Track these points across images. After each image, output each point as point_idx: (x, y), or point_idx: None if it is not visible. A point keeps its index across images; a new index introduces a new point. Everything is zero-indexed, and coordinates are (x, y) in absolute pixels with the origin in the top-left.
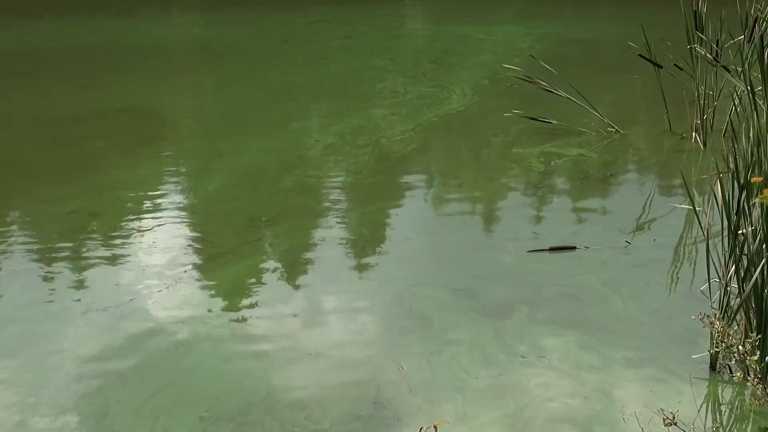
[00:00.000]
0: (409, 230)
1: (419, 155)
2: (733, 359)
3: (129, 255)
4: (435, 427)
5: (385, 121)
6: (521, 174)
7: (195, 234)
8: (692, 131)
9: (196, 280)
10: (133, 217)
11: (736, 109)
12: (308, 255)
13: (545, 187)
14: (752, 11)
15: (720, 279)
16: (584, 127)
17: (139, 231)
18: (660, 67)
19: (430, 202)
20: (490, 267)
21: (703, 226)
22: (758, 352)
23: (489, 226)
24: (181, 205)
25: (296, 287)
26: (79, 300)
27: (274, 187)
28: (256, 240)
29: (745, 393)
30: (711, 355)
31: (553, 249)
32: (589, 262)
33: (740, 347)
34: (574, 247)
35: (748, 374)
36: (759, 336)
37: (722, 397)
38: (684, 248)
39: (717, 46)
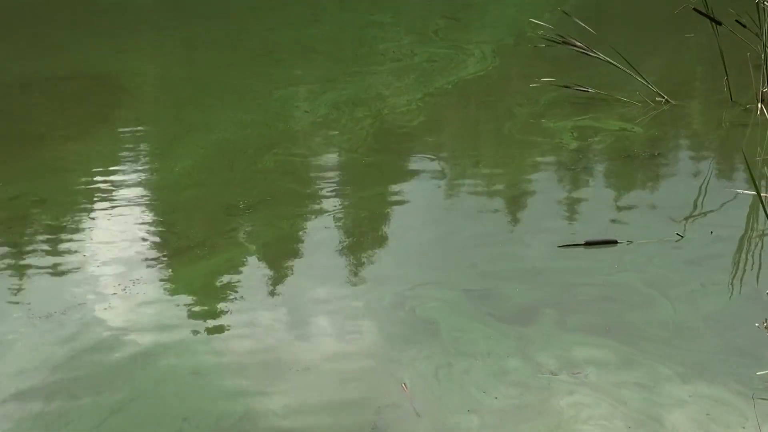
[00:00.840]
0: (414, 219)
1: (428, 130)
2: None
3: (79, 250)
4: None
5: (387, 90)
6: (551, 152)
7: (158, 224)
8: (757, 102)
9: (159, 279)
10: (85, 203)
11: None
12: (293, 249)
13: (580, 168)
14: None
15: None
16: (627, 96)
17: (91, 221)
18: (719, 24)
19: (440, 185)
20: (512, 264)
21: None
22: None
23: (511, 215)
24: (143, 190)
25: (279, 288)
26: (18, 303)
27: (253, 167)
28: (232, 231)
29: None
30: None
31: (589, 243)
32: (631, 259)
33: None
34: (615, 242)
35: None
36: None
37: None
38: (747, 242)
39: None
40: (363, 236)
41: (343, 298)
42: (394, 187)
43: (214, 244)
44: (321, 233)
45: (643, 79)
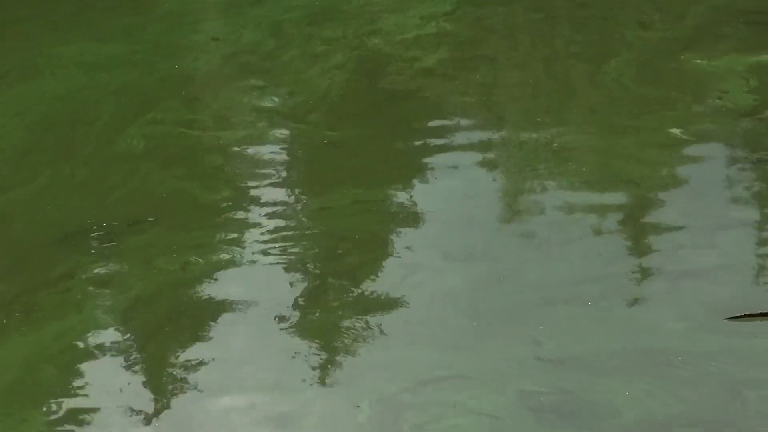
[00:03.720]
0: (423, 254)
1: (452, 79)
2: None
3: None
4: None
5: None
6: (705, 120)
7: None
8: None
9: None
10: None
11: None
12: (192, 319)
13: (764, 154)
14: None
15: None
16: None
17: None
18: None
19: (472, 188)
20: (621, 342)
21: None
22: None
23: (621, 244)
24: None
25: (161, 401)
26: None
27: (109, 151)
28: (67, 279)
29: None
30: None
31: None
32: None
33: None
34: None
35: None
36: None
37: None
38: None
39: None
40: (323, 293)
41: (283, 410)
42: (386, 191)
43: (32, 306)
44: (242, 282)
45: None
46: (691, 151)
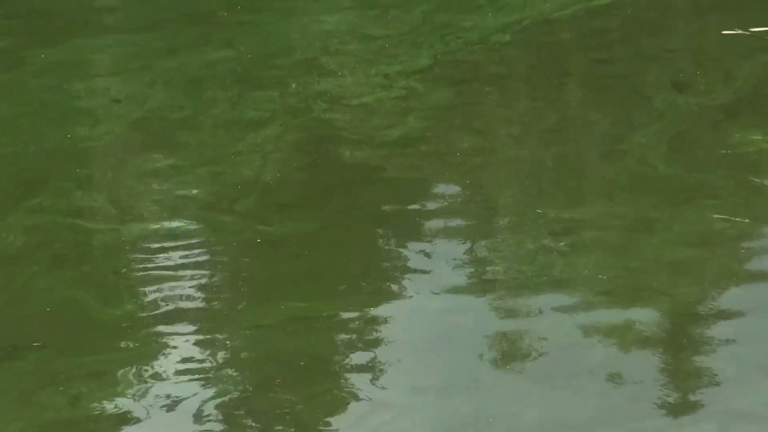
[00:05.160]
0: (385, 384)
1: (428, 155)
2: None
3: None
4: None
5: (336, 44)
6: (751, 210)
7: None
8: None
9: None
10: None
11: None
12: None
13: None
14: None
15: None
16: None
17: None
18: None
19: (445, 296)
20: None
21: None
22: None
23: (637, 374)
24: None
25: None
26: None
27: None
28: None
29: None
30: None
31: None
32: None
33: None
34: None
35: None
36: None
37: None
38: None
39: None
40: None
41: None
42: (338, 304)
43: None
44: (148, 426)
45: None
46: (742, 252)
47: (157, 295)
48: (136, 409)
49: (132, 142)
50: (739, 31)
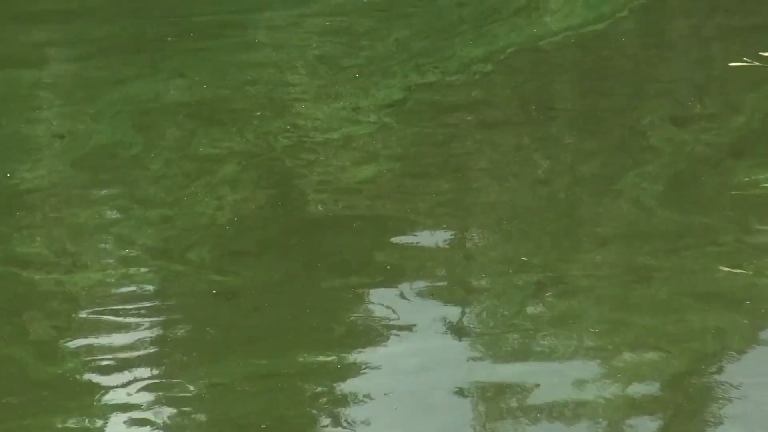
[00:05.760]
0: None
1: (402, 194)
2: None
3: None
4: None
5: (304, 85)
6: (758, 257)
7: None
8: None
9: None
10: None
11: None
12: None
13: None
14: None
15: None
16: None
17: None
18: None
19: (421, 354)
20: None
21: None
22: None
23: None
24: None
25: None
26: None
27: None
28: None
29: None
30: None
31: None
32: None
33: None
34: None
35: None
36: None
37: None
38: None
39: None
40: None
41: None
42: (302, 361)
43: None
44: None
45: None
46: (745, 304)
47: (101, 352)
48: None
49: (76, 182)
50: (749, 62)
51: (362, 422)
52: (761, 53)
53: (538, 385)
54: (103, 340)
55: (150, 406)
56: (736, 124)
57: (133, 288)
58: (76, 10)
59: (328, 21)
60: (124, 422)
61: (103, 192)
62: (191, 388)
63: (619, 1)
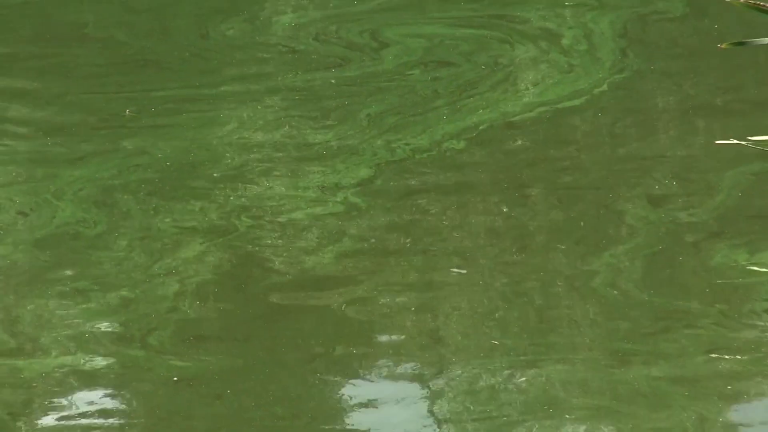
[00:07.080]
0: None
1: (368, 279)
2: None
3: None
4: None
5: (268, 163)
6: (737, 343)
7: None
8: None
9: None
10: None
11: None
12: None
13: None
14: None
15: None
16: None
17: None
18: None
19: None
20: None
21: None
22: None
23: None
24: None
25: None
26: None
27: None
28: None
29: None
30: None
31: None
32: None
33: None
34: None
35: None
36: None
37: None
38: None
39: None
40: None
41: None
42: None
43: None
44: None
45: None
46: (728, 390)
47: None
48: None
49: (36, 262)
50: (736, 142)
51: None
52: (748, 137)
53: None
54: (59, 427)
55: None
56: (712, 204)
57: (90, 374)
58: (28, 87)
59: (296, 96)
60: None
61: (63, 274)
62: None
63: (597, 76)
